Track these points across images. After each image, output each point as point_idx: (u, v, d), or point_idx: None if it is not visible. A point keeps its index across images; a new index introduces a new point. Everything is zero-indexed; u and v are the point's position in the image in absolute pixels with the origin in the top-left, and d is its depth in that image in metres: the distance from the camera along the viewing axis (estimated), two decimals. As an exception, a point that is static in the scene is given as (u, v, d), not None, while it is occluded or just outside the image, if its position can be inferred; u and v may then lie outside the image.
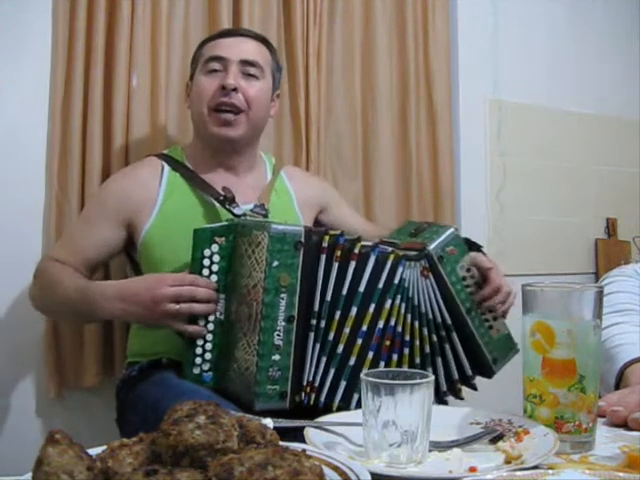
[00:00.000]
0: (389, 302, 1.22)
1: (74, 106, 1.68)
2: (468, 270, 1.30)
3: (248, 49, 1.49)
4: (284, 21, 1.98)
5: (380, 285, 1.21)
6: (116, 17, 1.72)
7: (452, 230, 1.30)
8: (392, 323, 1.22)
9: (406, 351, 1.24)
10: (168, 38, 1.79)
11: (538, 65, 2.48)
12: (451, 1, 2.31)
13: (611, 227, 2.62)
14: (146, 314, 1.23)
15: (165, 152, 1.55)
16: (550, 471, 0.68)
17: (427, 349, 1.26)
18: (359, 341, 1.20)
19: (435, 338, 1.26)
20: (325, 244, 1.20)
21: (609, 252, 2.59)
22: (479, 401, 1.11)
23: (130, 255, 1.51)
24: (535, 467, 0.71)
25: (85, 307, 1.31)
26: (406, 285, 1.23)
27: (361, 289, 1.21)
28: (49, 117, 1.70)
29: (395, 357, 1.23)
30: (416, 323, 1.24)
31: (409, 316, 1.24)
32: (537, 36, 2.49)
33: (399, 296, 1.23)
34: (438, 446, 0.81)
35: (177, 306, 1.20)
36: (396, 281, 1.22)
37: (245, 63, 1.46)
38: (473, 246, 1.36)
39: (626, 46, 2.68)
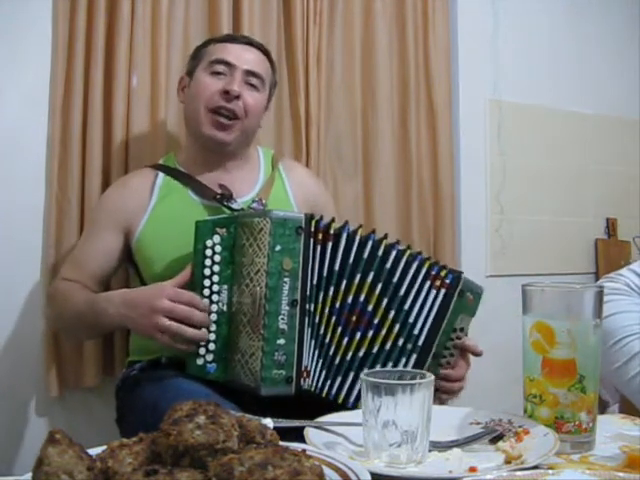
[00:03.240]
0: (358, 277, 1.21)
1: (74, 106, 1.68)
2: (462, 330, 1.26)
3: (254, 60, 1.50)
4: (284, 21, 1.98)
5: (350, 261, 1.21)
6: (116, 17, 1.72)
7: (482, 288, 1.30)
8: (361, 299, 1.21)
9: (370, 334, 1.20)
10: (168, 38, 1.79)
11: (538, 65, 2.48)
12: (451, 1, 2.30)
13: (611, 227, 2.62)
14: (142, 322, 1.22)
15: (160, 162, 1.57)
16: (550, 471, 0.68)
17: (388, 345, 1.21)
18: (333, 319, 1.20)
19: (401, 342, 1.21)
20: (332, 231, 1.21)
21: (609, 252, 2.59)
22: (479, 401, 1.11)
23: (132, 262, 1.52)
24: (535, 467, 0.71)
25: (93, 317, 1.32)
26: (387, 266, 1.21)
27: (336, 268, 1.21)
28: (49, 117, 1.70)
29: (358, 335, 1.20)
30: (391, 313, 1.21)
31: (385, 300, 1.20)
32: (537, 36, 2.49)
33: (372, 272, 1.21)
34: (438, 446, 0.81)
35: (168, 322, 1.18)
36: (365, 256, 1.21)
37: (249, 73, 1.48)
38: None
39: (626, 46, 2.67)
